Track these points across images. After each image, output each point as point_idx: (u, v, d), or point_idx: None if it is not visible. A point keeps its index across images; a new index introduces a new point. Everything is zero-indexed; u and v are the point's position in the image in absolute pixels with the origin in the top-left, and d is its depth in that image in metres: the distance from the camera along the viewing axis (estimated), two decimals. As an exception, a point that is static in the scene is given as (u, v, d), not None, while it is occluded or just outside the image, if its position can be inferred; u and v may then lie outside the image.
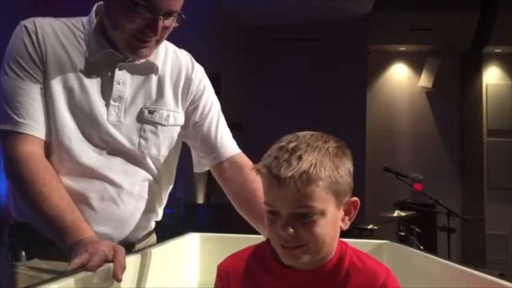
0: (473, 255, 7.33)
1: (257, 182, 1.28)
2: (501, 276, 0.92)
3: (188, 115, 1.33)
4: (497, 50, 8.01)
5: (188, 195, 6.53)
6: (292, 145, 0.85)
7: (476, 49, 7.87)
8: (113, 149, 1.20)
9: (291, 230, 0.82)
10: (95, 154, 1.18)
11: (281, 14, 7.53)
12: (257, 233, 1.28)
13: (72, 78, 1.17)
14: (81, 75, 1.17)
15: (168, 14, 1.13)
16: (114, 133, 1.19)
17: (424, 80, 8.10)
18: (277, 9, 7.36)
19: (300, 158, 0.82)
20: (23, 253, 1.16)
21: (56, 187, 1.09)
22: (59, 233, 1.03)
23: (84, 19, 1.24)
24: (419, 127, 8.18)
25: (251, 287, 0.92)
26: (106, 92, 1.19)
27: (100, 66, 1.20)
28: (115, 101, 1.20)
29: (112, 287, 0.93)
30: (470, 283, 0.97)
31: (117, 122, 1.20)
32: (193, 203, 6.65)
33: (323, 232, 0.83)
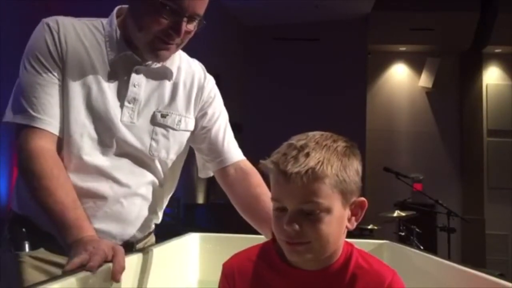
0: (473, 255, 7.33)
1: (262, 187, 1.30)
2: (501, 276, 0.92)
3: (197, 120, 1.36)
4: (497, 50, 8.02)
5: (188, 195, 6.52)
6: (301, 142, 0.86)
7: (476, 49, 7.88)
8: (123, 149, 1.21)
9: (296, 226, 0.83)
10: (104, 153, 1.20)
11: (281, 14, 7.53)
12: (257, 233, 1.28)
13: (90, 77, 1.19)
14: (99, 75, 1.20)
15: (192, 17, 1.16)
16: (126, 133, 1.21)
17: (424, 80, 8.11)
18: (277, 9, 7.36)
19: (307, 155, 0.83)
20: (26, 243, 1.17)
21: (63, 183, 1.09)
22: (61, 229, 1.03)
23: (104, 21, 1.26)
24: (419, 127, 8.19)
25: (257, 287, 0.92)
26: (122, 94, 1.22)
27: (117, 68, 1.22)
28: (129, 103, 1.22)
29: (112, 287, 0.93)
30: (470, 283, 0.97)
31: (130, 123, 1.22)
32: (193, 203, 6.65)
33: (327, 230, 0.84)
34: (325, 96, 7.61)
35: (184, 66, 1.35)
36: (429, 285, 1.18)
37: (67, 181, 1.12)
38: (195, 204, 6.68)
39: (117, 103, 1.21)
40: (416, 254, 1.34)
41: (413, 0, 7.53)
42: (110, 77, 1.21)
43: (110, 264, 0.93)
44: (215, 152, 1.38)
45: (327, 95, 7.60)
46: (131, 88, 1.22)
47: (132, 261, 1.06)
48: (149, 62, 1.24)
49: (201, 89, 1.36)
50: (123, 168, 1.22)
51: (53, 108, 1.15)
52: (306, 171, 0.81)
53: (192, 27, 1.19)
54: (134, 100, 1.23)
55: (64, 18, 1.22)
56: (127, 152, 1.22)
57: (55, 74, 1.17)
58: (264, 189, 1.30)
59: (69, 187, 1.10)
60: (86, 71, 1.19)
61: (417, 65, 8.20)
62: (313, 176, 0.81)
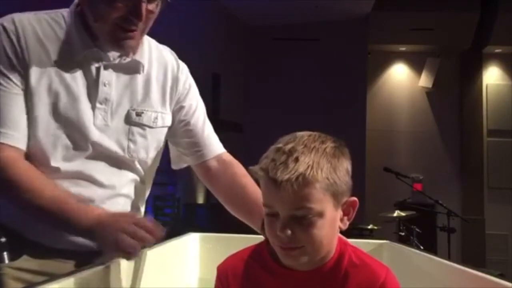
0: (473, 255, 7.33)
1: (247, 177, 1.27)
2: (501, 276, 0.92)
3: (174, 113, 1.29)
4: (497, 50, 8.02)
5: (188, 195, 6.52)
6: (289, 146, 0.84)
7: (476, 49, 7.88)
8: (99, 152, 1.16)
9: (289, 232, 0.82)
10: (81, 158, 1.13)
11: (281, 14, 7.53)
12: (257, 232, 1.28)
13: (56, 81, 1.10)
14: (65, 78, 1.11)
15: None
16: (101, 137, 1.14)
17: (424, 80, 8.11)
18: (277, 9, 7.36)
19: (296, 160, 0.82)
20: (5, 254, 1.09)
21: (46, 181, 1.05)
22: (68, 220, 0.99)
23: (65, 12, 1.15)
24: (419, 127, 8.18)
25: None
26: (92, 95, 1.13)
27: (84, 66, 1.13)
28: (101, 104, 1.14)
29: (112, 287, 0.93)
30: (470, 283, 0.97)
31: (104, 125, 1.15)
32: (193, 203, 6.64)
33: (320, 234, 0.83)
34: (325, 96, 7.61)
35: (155, 56, 1.25)
36: (429, 285, 1.18)
37: (49, 179, 1.06)
38: (195, 204, 6.67)
39: (88, 105, 1.13)
40: (416, 254, 1.33)
41: (413, 0, 7.52)
42: (78, 78, 1.12)
43: (110, 265, 0.93)
44: (196, 145, 1.31)
45: (327, 95, 7.60)
46: (101, 88, 1.14)
47: (132, 261, 1.06)
48: (118, 57, 1.15)
49: (175, 81, 1.27)
50: (103, 170, 1.16)
51: (18, 121, 1.07)
52: (297, 178, 0.80)
53: (153, 7, 1.08)
54: (106, 100, 1.14)
55: (21, 15, 1.11)
56: (104, 155, 1.17)
57: (17, 83, 1.07)
58: (250, 180, 1.26)
59: (53, 183, 1.06)
60: (51, 75, 1.09)
61: (417, 65, 8.20)
62: (304, 182, 0.80)
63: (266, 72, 7.91)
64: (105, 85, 1.14)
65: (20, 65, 1.08)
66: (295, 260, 0.86)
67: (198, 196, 6.69)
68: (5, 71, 1.07)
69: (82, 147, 1.13)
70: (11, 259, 1.10)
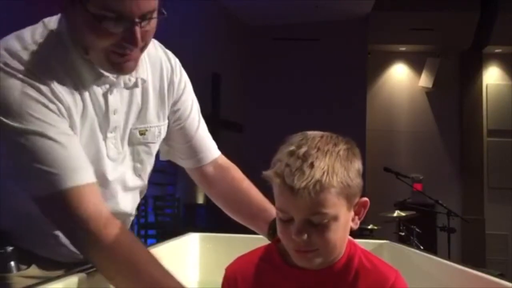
0: (473, 255, 7.34)
1: (247, 181, 1.27)
2: (501, 276, 0.92)
3: (169, 115, 1.21)
4: (497, 50, 8.03)
5: (188, 195, 6.53)
6: (302, 150, 0.83)
7: (476, 49, 7.89)
8: (117, 183, 1.11)
9: (305, 236, 0.83)
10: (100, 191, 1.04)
11: (281, 14, 7.54)
12: (256, 233, 1.28)
13: (76, 118, 1.00)
14: (82, 111, 1.01)
15: (143, 18, 0.94)
16: (114, 168, 1.09)
17: (424, 80, 8.12)
18: (277, 9, 7.37)
19: (312, 166, 0.81)
20: (13, 263, 1.03)
21: (151, 259, 0.94)
22: None
23: (54, 26, 1.01)
24: (419, 127, 8.19)
25: None
26: (103, 125, 1.05)
27: (92, 95, 1.03)
28: (111, 132, 1.06)
29: (112, 287, 0.93)
30: (470, 283, 0.97)
31: (117, 154, 1.08)
32: (193, 203, 6.65)
33: (335, 237, 0.84)
34: (325, 96, 7.61)
35: (149, 59, 1.14)
36: (429, 285, 1.18)
37: (152, 256, 0.95)
38: (195, 204, 6.68)
39: (101, 137, 1.05)
40: (416, 254, 1.34)
41: (413, 0, 7.53)
42: (91, 110, 1.02)
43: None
44: (191, 150, 1.26)
45: (327, 95, 7.61)
46: (111, 118, 1.05)
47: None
48: (122, 82, 1.06)
49: (171, 84, 1.18)
50: (118, 196, 1.12)
51: (62, 159, 0.92)
52: (314, 185, 0.80)
53: (148, 25, 0.96)
54: (115, 128, 1.07)
55: (25, 50, 0.96)
56: (121, 184, 1.12)
57: (60, 124, 0.95)
58: (250, 184, 1.25)
59: (158, 263, 0.94)
60: (72, 112, 0.98)
61: (417, 65, 8.21)
62: (320, 188, 0.81)
63: (266, 72, 7.92)
64: (114, 113, 1.06)
65: (50, 102, 0.95)
66: (309, 263, 0.87)
67: (198, 196, 6.70)
68: (42, 117, 0.93)
69: (101, 184, 1.04)
70: (19, 268, 1.05)
